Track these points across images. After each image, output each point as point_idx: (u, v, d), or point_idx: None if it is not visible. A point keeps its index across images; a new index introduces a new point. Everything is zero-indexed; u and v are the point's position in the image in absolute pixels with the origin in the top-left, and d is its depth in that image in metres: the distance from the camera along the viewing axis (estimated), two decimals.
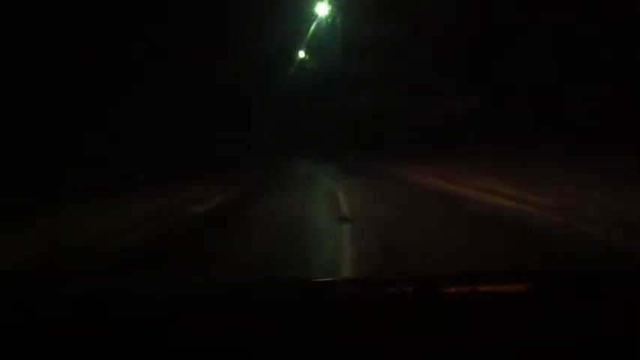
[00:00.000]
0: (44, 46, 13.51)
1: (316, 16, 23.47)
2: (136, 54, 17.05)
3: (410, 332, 1.35)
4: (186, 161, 17.60)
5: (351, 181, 14.17)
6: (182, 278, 3.56)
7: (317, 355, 1.28)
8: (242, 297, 1.57)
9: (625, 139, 10.76)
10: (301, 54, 30.13)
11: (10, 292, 1.66)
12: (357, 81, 26.15)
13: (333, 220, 6.99)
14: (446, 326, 1.36)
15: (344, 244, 5.44)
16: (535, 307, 1.44)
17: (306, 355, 1.29)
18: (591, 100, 13.71)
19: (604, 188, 7.60)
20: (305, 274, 4.09)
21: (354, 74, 25.91)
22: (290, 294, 1.63)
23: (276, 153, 28.76)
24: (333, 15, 23.77)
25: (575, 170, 9.82)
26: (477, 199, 8.87)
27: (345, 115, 30.15)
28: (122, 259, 5.04)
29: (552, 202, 7.23)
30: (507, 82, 17.20)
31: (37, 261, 4.77)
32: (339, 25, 24.27)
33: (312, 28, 24.34)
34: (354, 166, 19.50)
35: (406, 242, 5.22)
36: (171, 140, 19.27)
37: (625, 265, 2.81)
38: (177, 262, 4.66)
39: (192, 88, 20.84)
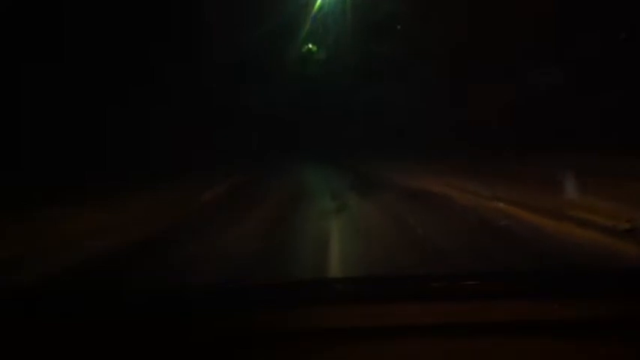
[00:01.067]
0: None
1: None
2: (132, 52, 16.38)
3: (409, 331, 1.36)
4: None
5: (362, 211, 8.21)
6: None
7: (318, 353, 1.31)
8: (241, 297, 1.57)
9: None
10: (309, 46, 25.90)
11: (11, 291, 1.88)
12: (370, 68, 22.55)
13: None
14: (445, 326, 1.37)
15: None
16: (535, 307, 1.43)
17: (306, 354, 1.31)
18: None
19: None
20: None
21: (367, 60, 22.36)
22: (289, 294, 1.63)
23: (270, 158, 25.35)
24: None
25: None
26: None
27: (356, 110, 26.48)
28: None
29: None
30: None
31: None
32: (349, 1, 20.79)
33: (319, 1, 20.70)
34: (368, 178, 14.28)
35: None
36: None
37: (623, 266, 3.00)
38: None
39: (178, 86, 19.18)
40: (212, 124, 21.84)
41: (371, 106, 24.08)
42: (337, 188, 11.66)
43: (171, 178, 14.13)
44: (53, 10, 14.01)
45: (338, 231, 6.31)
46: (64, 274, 4.50)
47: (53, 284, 3.95)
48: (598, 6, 13.28)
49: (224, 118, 23.19)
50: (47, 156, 12.95)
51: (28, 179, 10.70)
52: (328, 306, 1.50)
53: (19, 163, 12.05)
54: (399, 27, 20.15)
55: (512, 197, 7.61)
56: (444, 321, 1.39)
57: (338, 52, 24.71)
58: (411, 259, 4.64)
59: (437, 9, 17.40)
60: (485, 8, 15.58)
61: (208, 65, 21.37)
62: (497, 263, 4.46)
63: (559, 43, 14.53)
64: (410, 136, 20.91)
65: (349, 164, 20.58)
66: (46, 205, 8.27)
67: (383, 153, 20.90)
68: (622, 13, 13.27)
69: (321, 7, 20.55)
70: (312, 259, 4.78)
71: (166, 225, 7.37)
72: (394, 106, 21.94)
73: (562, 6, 14.10)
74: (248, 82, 25.26)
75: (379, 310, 1.45)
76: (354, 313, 1.46)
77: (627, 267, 2.29)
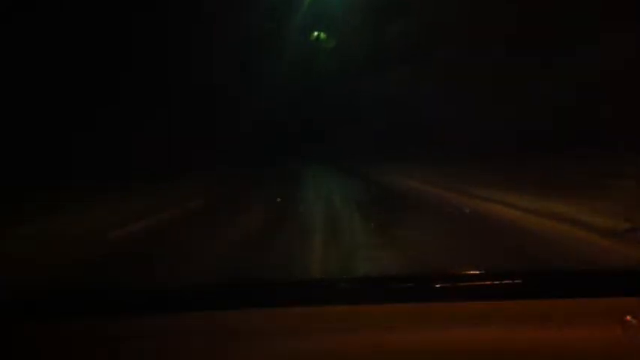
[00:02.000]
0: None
1: None
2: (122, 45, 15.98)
3: (408, 331, 1.36)
4: None
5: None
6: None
7: (318, 353, 1.31)
8: (241, 297, 1.56)
9: None
10: (318, 33, 23.99)
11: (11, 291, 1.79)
12: (378, 58, 20.32)
13: None
14: (444, 325, 1.37)
15: None
16: (534, 307, 1.44)
17: (306, 353, 1.31)
18: None
19: None
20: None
21: (379, 47, 20.00)
22: (289, 293, 1.62)
23: (262, 164, 22.50)
24: None
25: None
26: None
27: (364, 107, 23.53)
28: None
29: None
30: None
31: None
32: None
33: None
34: (394, 196, 10.88)
35: None
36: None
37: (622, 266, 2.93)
38: None
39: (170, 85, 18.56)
40: (212, 124, 21.66)
41: (381, 101, 21.54)
42: (343, 216, 7.97)
43: (139, 184, 12.51)
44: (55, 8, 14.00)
45: None
46: None
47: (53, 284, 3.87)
48: None
49: (225, 117, 22.92)
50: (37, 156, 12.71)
51: None
52: (328, 305, 1.50)
53: None
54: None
55: None
56: (445, 322, 1.39)
57: (345, 39, 22.49)
58: None
59: None
60: None
61: (208, 63, 21.08)
62: None
63: None
64: (426, 135, 18.17)
65: (360, 170, 17.70)
66: None
67: (403, 155, 18.06)
68: None
69: None
70: None
71: None
72: (407, 100, 19.33)
73: None
74: (250, 79, 24.22)
75: (380, 310, 1.46)
76: (355, 312, 1.46)
77: (627, 267, 2.21)
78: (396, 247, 4.98)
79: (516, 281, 1.58)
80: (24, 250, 5.47)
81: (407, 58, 18.94)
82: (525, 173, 10.04)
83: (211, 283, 2.00)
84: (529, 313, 1.40)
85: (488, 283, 1.57)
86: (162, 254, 5.19)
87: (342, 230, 6.52)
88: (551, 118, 12.36)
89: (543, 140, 11.85)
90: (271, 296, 1.58)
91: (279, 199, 10.29)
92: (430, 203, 8.86)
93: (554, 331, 1.33)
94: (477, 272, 1.67)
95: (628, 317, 1.31)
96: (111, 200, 10.04)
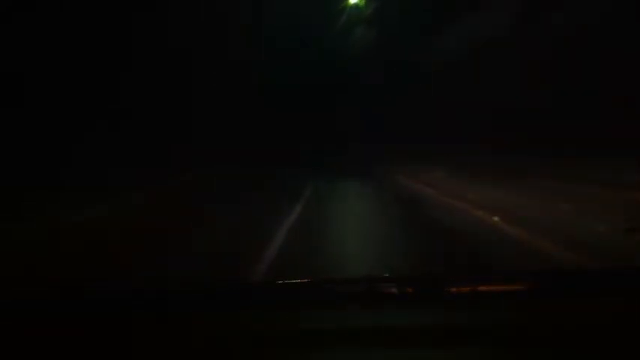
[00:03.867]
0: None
1: None
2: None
3: (409, 332, 1.36)
4: None
5: None
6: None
7: (317, 354, 1.31)
8: (242, 297, 1.58)
9: None
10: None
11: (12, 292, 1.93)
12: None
13: None
14: (446, 326, 1.38)
15: None
16: (535, 307, 1.45)
17: (306, 354, 1.31)
18: None
19: None
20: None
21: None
22: (290, 294, 1.65)
23: (262, 166, 19.24)
24: None
25: None
26: None
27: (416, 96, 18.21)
28: None
29: None
30: None
31: None
32: None
33: None
34: None
35: None
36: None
37: (625, 265, 2.92)
38: None
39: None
40: (214, 122, 21.37)
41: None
42: None
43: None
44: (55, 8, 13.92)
45: None
46: None
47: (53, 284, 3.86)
48: None
49: (227, 116, 22.54)
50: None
51: None
52: (328, 306, 1.50)
53: None
54: None
55: None
56: (448, 323, 1.39)
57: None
58: None
59: None
60: None
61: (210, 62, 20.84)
62: None
63: None
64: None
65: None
66: None
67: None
68: None
69: None
70: None
71: None
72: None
73: None
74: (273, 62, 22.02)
75: (381, 312, 1.45)
76: (356, 313, 1.46)
77: (627, 267, 2.25)
78: None
79: (522, 284, 1.60)
80: None
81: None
82: None
83: (211, 284, 2.03)
84: (533, 314, 1.41)
85: (494, 286, 1.58)
86: None
87: None
88: None
89: None
90: (271, 297, 1.59)
91: None
92: None
93: (560, 331, 1.33)
94: (482, 275, 1.66)
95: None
96: None
